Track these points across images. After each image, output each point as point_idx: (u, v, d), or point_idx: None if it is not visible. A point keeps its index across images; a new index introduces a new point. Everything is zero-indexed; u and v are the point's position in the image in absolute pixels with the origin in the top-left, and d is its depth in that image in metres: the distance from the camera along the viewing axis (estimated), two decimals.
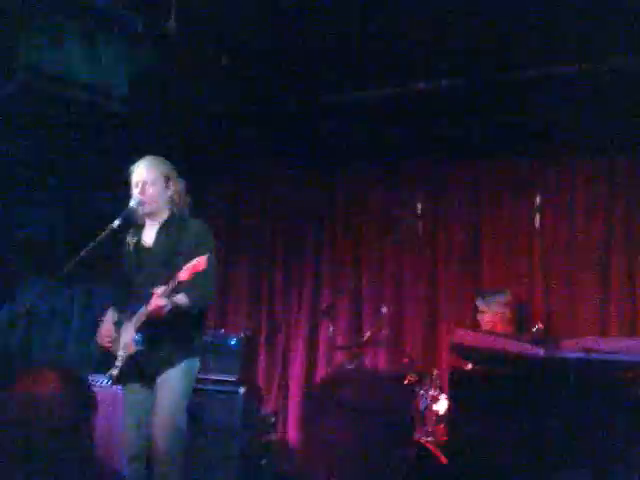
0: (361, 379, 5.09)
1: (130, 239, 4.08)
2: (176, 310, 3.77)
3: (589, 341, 3.43)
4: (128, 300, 4.00)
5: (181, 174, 4.15)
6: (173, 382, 3.85)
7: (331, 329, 6.03)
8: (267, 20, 4.76)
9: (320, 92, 5.86)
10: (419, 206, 5.82)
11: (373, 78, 5.59)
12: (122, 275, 4.11)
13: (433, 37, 4.86)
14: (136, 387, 3.95)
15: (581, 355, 3.33)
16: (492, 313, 5.52)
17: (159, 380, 3.86)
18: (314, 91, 5.83)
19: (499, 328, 5.44)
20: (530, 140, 5.94)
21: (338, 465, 4.64)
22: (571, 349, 3.42)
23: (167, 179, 4.06)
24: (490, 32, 4.76)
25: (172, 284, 3.70)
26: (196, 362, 4.00)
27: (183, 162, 4.24)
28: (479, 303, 5.64)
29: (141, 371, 3.90)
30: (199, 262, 3.67)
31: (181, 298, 3.79)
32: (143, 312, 3.81)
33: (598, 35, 4.63)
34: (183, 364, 3.89)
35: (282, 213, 7.14)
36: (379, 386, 4.99)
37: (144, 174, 4.01)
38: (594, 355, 3.31)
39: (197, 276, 3.70)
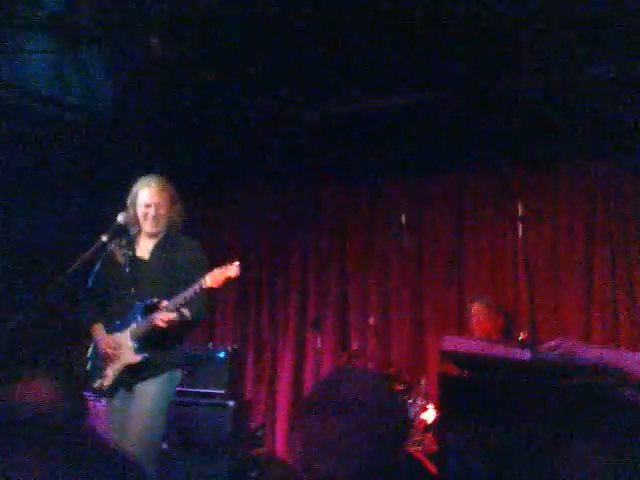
0: (356, 377, 5.08)
1: (120, 252, 4.10)
2: (180, 323, 3.85)
3: (570, 343, 3.46)
4: (114, 312, 4.03)
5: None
6: (154, 390, 3.89)
7: (319, 342, 6.05)
8: (247, 32, 4.78)
9: (302, 107, 5.90)
10: (403, 217, 5.86)
11: (354, 93, 5.62)
12: (105, 287, 4.12)
13: (411, 51, 4.90)
14: (121, 397, 3.97)
15: (567, 358, 3.36)
16: (483, 321, 5.55)
17: (140, 387, 3.89)
18: (295, 105, 5.86)
19: (488, 334, 5.48)
20: (510, 149, 6.01)
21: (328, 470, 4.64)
22: (556, 352, 3.44)
23: (173, 201, 4.13)
24: (469, 44, 4.81)
25: (189, 293, 3.78)
26: (179, 373, 4.05)
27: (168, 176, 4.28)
28: (471, 310, 5.67)
29: (130, 381, 3.93)
30: (230, 269, 3.76)
31: (186, 311, 3.87)
32: (145, 324, 3.86)
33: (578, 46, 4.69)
34: (167, 374, 3.94)
35: (267, 226, 7.16)
36: (375, 384, 4.98)
37: (156, 196, 4.07)
38: (580, 358, 3.35)
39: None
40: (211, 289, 3.82)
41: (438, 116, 5.68)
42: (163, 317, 3.80)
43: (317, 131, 6.10)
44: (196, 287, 3.77)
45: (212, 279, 3.75)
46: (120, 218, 4.04)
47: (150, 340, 3.90)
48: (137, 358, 3.90)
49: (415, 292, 6.49)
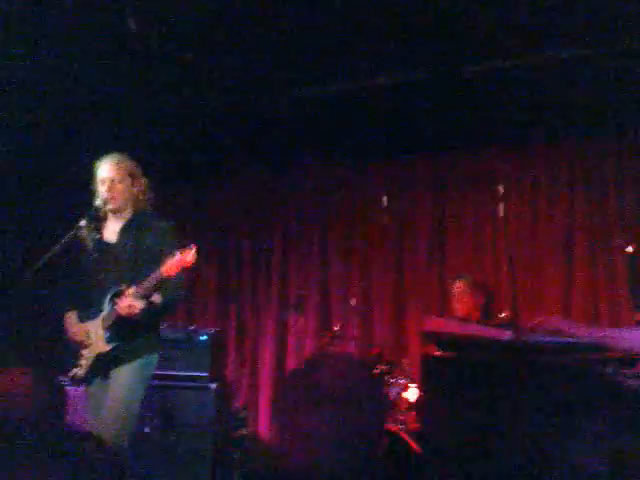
0: (334, 365, 5.10)
1: (88, 236, 3.98)
2: (150, 310, 3.77)
3: (554, 321, 3.48)
4: (88, 299, 3.96)
5: (147, 174, 4.14)
6: (129, 376, 3.83)
7: (298, 323, 6.05)
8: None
9: (283, 89, 5.86)
10: (385, 199, 5.86)
11: (333, 74, 5.59)
12: (78, 274, 4.05)
13: (390, 32, 4.88)
14: (98, 383, 3.91)
15: (549, 337, 3.39)
16: (465, 300, 5.57)
17: (115, 373, 3.83)
18: (277, 87, 5.83)
19: (470, 314, 5.50)
20: (491, 131, 6.01)
21: (312, 452, 4.67)
22: (539, 331, 3.47)
23: (133, 176, 4.03)
24: (448, 26, 4.80)
25: (151, 281, 3.70)
26: (154, 357, 3.98)
27: (149, 162, 4.22)
28: (452, 290, 5.69)
29: (106, 368, 3.87)
30: (185, 256, 3.65)
31: (156, 297, 3.79)
32: (112, 312, 3.79)
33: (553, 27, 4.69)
34: (142, 359, 3.87)
35: (248, 209, 7.14)
36: (352, 372, 4.99)
37: (111, 171, 3.97)
38: (561, 338, 3.37)
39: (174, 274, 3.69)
40: (185, 270, 3.71)
41: (419, 98, 5.66)
42: (127, 305, 3.71)
43: (298, 114, 6.07)
44: (157, 275, 3.67)
45: (167, 267, 3.64)
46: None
47: (120, 328, 3.81)
48: (107, 347, 3.82)
49: (397, 273, 6.50)
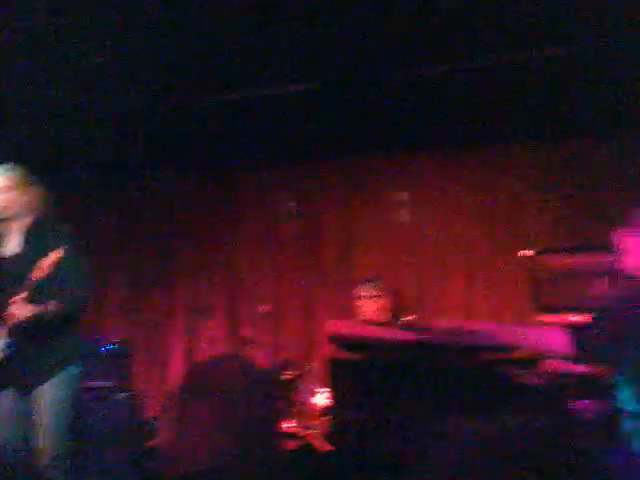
0: (230, 369, 5.10)
1: None
2: (42, 316, 3.72)
3: (457, 324, 3.55)
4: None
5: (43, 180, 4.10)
6: (53, 393, 3.79)
7: (205, 330, 6.03)
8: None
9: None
10: (293, 203, 5.90)
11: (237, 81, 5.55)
12: None
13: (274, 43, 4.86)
14: (12, 395, 3.85)
15: (452, 338, 3.45)
16: (371, 303, 5.64)
17: (39, 391, 3.79)
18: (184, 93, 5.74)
19: (377, 317, 5.57)
20: (398, 137, 6.11)
21: (210, 458, 4.65)
22: (442, 333, 3.53)
23: (23, 185, 3.98)
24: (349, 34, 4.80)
25: (29, 285, 3.67)
26: (76, 369, 3.93)
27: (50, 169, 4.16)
28: (359, 293, 5.75)
29: (16, 380, 3.81)
30: (50, 257, 3.68)
31: (51, 304, 3.73)
32: (5, 319, 3.74)
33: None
34: (62, 374, 3.84)
35: (155, 211, 7.07)
36: (247, 376, 4.99)
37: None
38: (464, 338, 3.44)
39: (60, 277, 3.70)
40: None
41: (321, 104, 5.68)
42: (15, 310, 3.67)
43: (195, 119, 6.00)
44: (31, 278, 3.68)
45: (36, 270, 3.68)
46: None
47: (19, 336, 3.76)
48: (2, 354, 3.77)
49: (306, 278, 6.54)
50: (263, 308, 5.90)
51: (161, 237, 7.04)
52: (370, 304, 5.65)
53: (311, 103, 5.67)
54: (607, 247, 5.15)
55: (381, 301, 5.67)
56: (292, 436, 5.04)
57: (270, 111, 5.77)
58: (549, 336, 3.34)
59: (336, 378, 3.91)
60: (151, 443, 5.97)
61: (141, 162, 6.76)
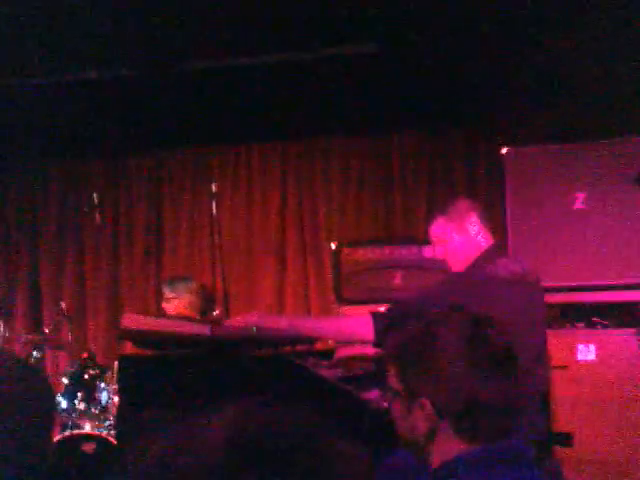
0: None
1: None
2: None
3: (255, 316, 3.48)
4: None
5: None
6: None
7: (2, 329, 5.67)
8: None
9: None
10: (96, 196, 5.65)
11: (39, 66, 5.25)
12: None
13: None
14: None
15: (248, 332, 3.38)
16: (179, 300, 5.52)
17: None
18: None
19: (186, 314, 5.45)
20: (208, 128, 5.99)
21: None
22: (239, 327, 3.46)
23: None
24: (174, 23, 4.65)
25: None
26: None
27: None
28: (166, 290, 5.61)
29: None
30: None
31: None
32: None
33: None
34: None
35: None
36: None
37: None
38: (261, 332, 3.38)
39: None
40: None
41: (130, 94, 5.49)
42: None
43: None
44: None
45: None
46: None
47: None
48: None
49: (112, 274, 6.32)
50: (63, 304, 5.61)
51: None
52: (177, 301, 5.52)
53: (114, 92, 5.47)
54: (410, 240, 5.34)
55: (187, 298, 5.55)
56: (89, 437, 4.84)
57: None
58: (354, 324, 3.38)
59: (121, 375, 3.71)
60: None
61: None
